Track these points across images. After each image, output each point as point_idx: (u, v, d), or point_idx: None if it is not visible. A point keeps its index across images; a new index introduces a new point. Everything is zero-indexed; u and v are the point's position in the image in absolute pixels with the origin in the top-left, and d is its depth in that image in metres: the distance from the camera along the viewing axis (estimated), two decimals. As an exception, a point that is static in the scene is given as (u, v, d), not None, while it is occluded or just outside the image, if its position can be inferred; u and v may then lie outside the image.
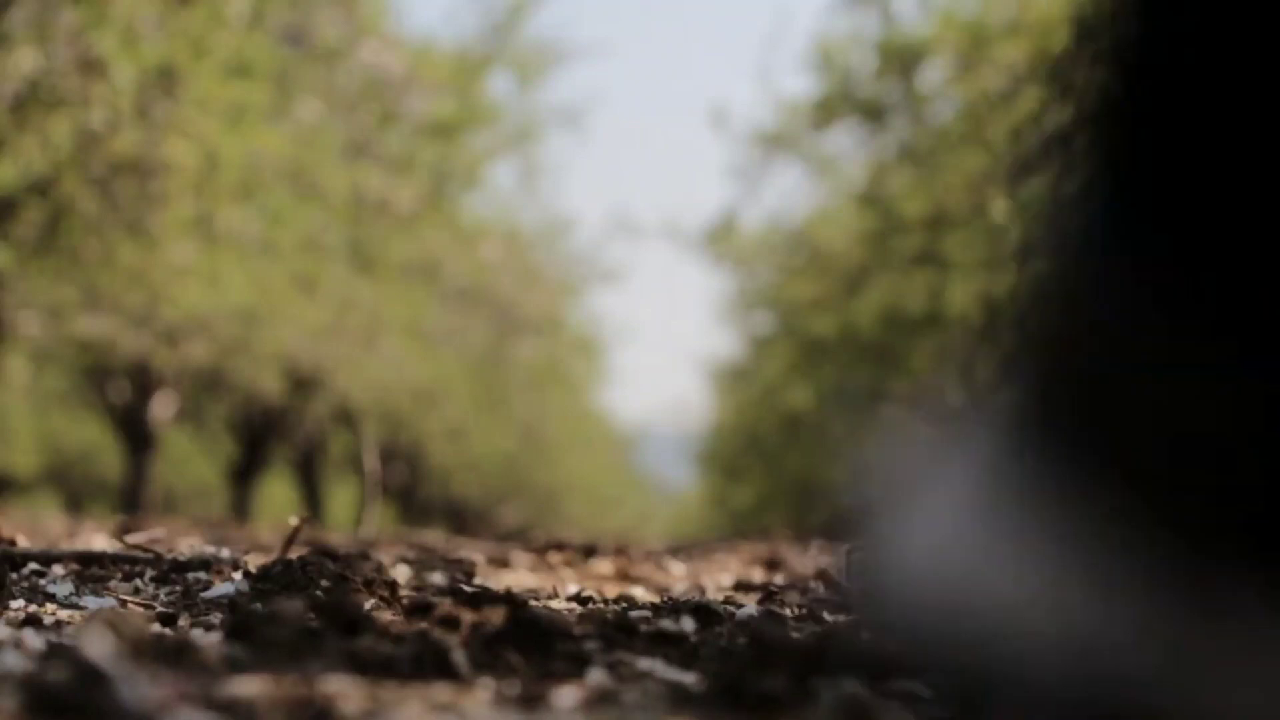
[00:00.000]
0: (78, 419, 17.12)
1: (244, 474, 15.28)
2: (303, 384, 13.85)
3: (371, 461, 11.96)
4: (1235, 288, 0.85)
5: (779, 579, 2.31)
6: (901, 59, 10.65)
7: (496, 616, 1.30)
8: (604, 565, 2.55)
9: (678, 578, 2.46)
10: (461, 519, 23.25)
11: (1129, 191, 0.93)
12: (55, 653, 0.86)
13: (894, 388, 12.64)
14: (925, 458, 0.96)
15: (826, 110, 11.18)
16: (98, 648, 0.78)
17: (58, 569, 1.54)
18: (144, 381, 12.18)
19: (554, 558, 2.55)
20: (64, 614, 1.24)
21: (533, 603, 1.51)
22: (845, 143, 11.68)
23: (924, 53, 10.35)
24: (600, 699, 0.84)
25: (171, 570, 1.51)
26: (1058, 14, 8.15)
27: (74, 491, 21.92)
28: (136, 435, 12.37)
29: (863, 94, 10.92)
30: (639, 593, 2.15)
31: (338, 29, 9.84)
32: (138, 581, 1.48)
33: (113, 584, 1.47)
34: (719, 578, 2.43)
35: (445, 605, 1.27)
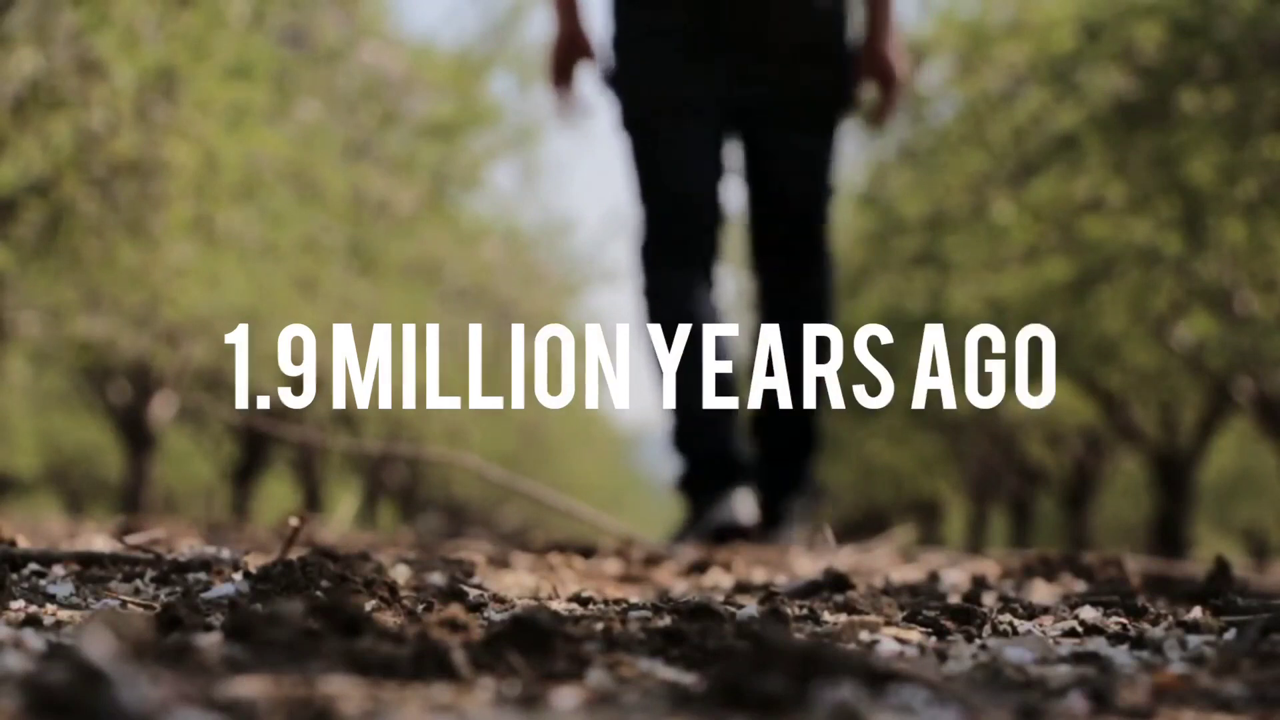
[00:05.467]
0: (78, 419, 17.12)
1: (244, 474, 15.29)
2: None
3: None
4: None
5: (780, 579, 2.31)
6: (901, 59, 10.61)
7: (496, 617, 1.30)
8: (604, 566, 2.56)
9: (678, 578, 2.46)
10: (462, 519, 23.24)
11: None
12: (55, 653, 0.86)
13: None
14: None
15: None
16: (98, 648, 0.78)
17: (58, 569, 1.54)
18: (144, 381, 12.18)
19: (554, 558, 2.55)
20: (64, 614, 1.24)
21: (533, 603, 1.51)
22: (845, 143, 11.67)
23: (924, 53, 10.35)
24: (600, 699, 0.84)
25: (171, 571, 1.51)
26: (1058, 14, 8.15)
27: (74, 492, 21.93)
28: (136, 435, 12.37)
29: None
30: (639, 593, 2.15)
31: (338, 30, 9.84)
32: (138, 582, 1.48)
33: (113, 584, 1.47)
34: (720, 578, 2.43)
35: (445, 606, 1.27)
